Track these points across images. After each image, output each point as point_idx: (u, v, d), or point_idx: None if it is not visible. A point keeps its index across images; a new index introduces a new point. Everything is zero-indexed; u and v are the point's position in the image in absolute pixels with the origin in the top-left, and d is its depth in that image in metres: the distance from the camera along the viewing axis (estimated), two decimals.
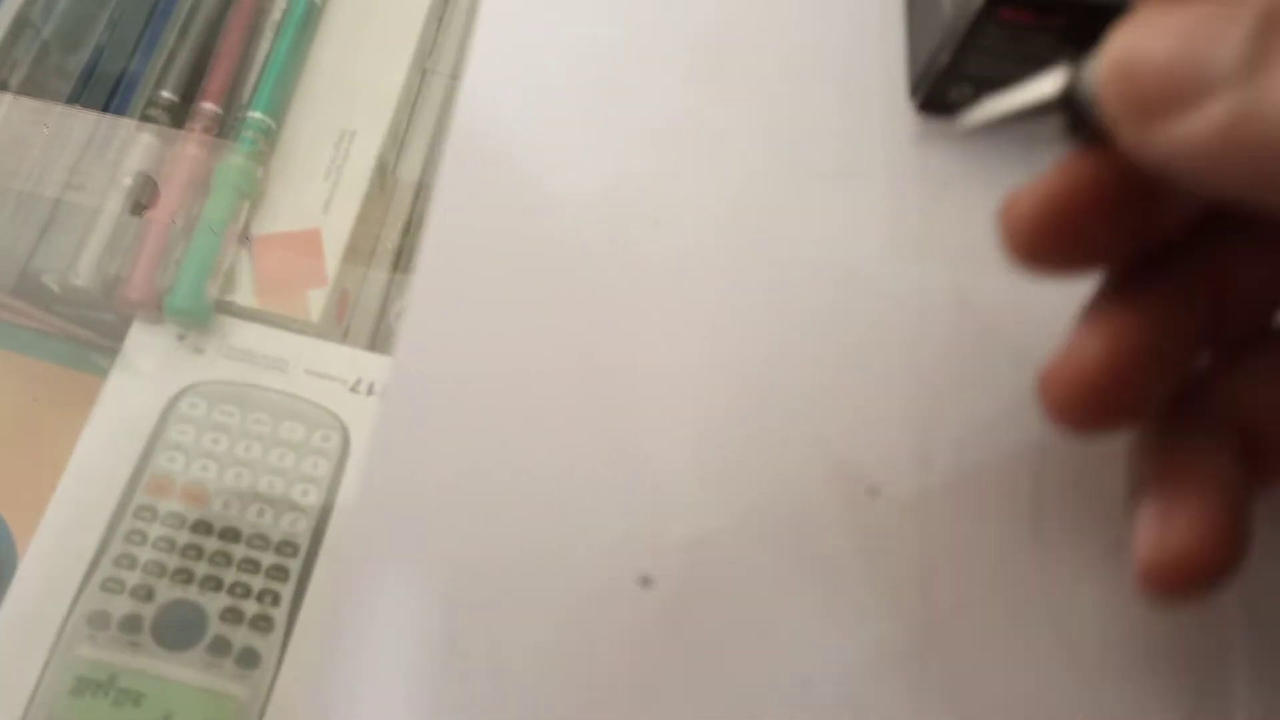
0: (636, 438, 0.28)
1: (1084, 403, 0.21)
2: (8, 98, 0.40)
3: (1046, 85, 0.20)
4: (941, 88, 0.29)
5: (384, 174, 0.42)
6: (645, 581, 0.26)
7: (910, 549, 0.26)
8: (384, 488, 0.27)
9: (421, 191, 0.44)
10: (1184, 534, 0.21)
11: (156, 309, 0.38)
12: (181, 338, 0.39)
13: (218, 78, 0.42)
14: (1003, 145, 0.31)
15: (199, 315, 0.38)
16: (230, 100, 0.42)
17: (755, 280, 0.29)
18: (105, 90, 0.41)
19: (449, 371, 0.28)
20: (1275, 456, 0.22)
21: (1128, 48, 0.18)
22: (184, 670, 0.35)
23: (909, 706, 0.26)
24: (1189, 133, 0.17)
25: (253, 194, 0.40)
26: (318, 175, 0.42)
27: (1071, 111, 0.20)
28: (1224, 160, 0.17)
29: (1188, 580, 0.20)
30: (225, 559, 0.36)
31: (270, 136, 0.42)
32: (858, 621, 0.26)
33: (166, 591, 0.36)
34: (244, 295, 0.39)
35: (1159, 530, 0.21)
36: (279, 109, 0.42)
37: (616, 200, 0.30)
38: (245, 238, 0.40)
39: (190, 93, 0.42)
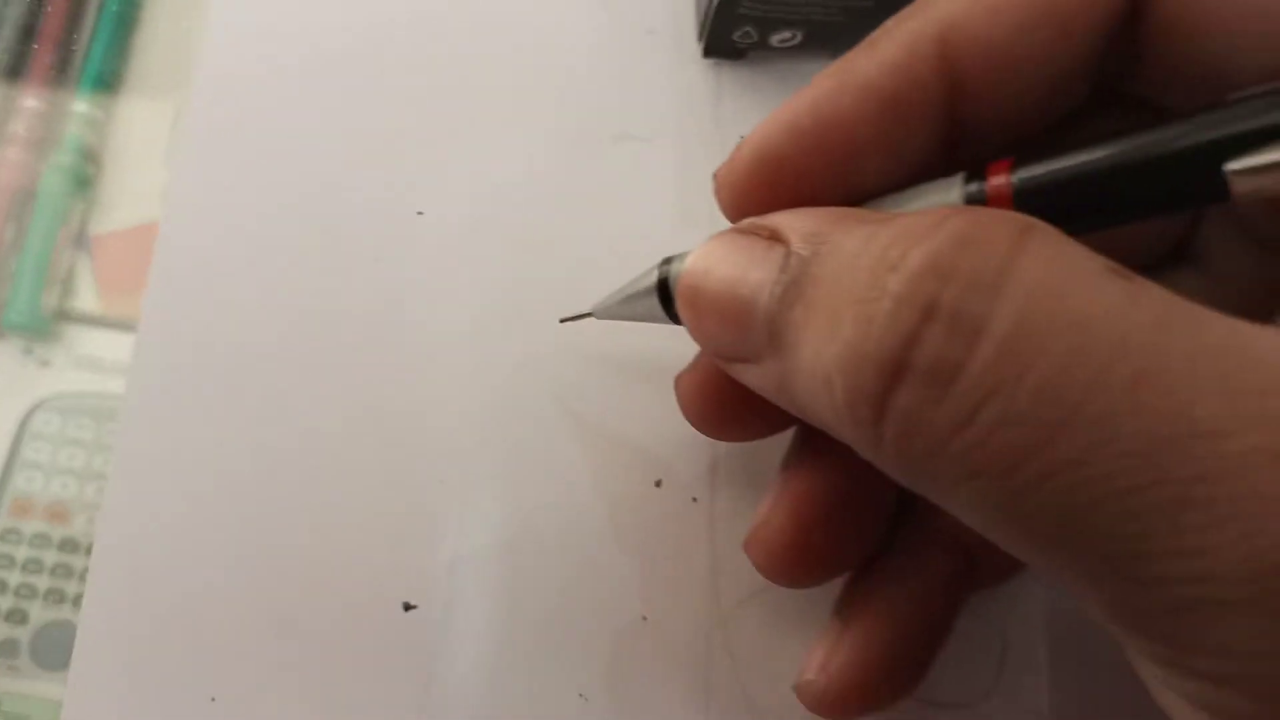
0: (398, 452, 0.26)
1: (782, 567, 0.23)
2: None
3: (647, 279, 0.23)
4: (722, 30, 0.27)
5: None
6: (408, 607, 0.25)
7: (700, 543, 0.25)
8: (133, 517, 0.26)
9: None
10: (842, 667, 0.23)
11: None
12: (28, 351, 0.38)
13: (38, 69, 0.40)
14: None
15: (37, 329, 0.37)
16: (55, 90, 0.40)
17: (531, 265, 0.27)
18: None
19: (196, 389, 0.27)
20: (988, 567, 0.24)
21: (691, 285, 0.20)
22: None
23: (698, 704, 0.25)
24: (751, 381, 0.19)
25: (85, 193, 0.39)
26: (155, 161, 0.40)
27: (665, 300, 0.22)
28: (783, 404, 0.19)
29: (834, 707, 0.23)
30: None
31: (99, 128, 0.40)
32: (638, 625, 0.25)
33: (41, 613, 0.36)
34: (86, 300, 0.38)
35: (822, 656, 0.23)
36: (108, 94, 0.40)
37: (376, 190, 0.28)
38: (81, 240, 0.38)
39: (11, 84, 0.40)
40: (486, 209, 0.28)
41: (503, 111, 0.29)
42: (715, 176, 0.22)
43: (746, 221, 0.20)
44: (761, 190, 0.21)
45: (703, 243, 0.20)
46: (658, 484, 0.27)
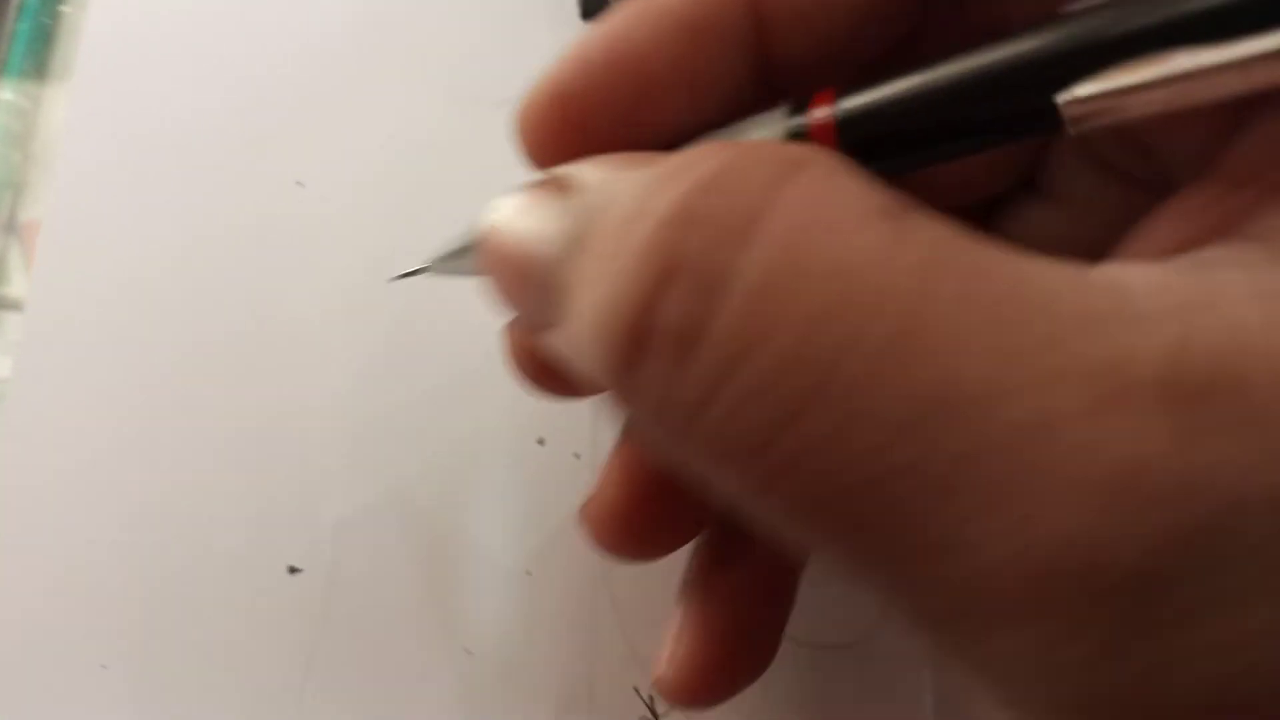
0: (282, 418, 0.26)
1: (614, 541, 0.21)
2: None
3: (470, 233, 0.21)
4: None
5: None
6: (294, 570, 0.25)
7: (583, 498, 0.25)
8: (12, 496, 0.26)
9: None
10: (687, 655, 0.21)
11: None
12: None
13: None
14: None
15: None
16: None
17: (414, 232, 0.27)
18: None
19: (77, 366, 0.27)
20: None
21: (489, 246, 0.18)
22: None
23: (583, 654, 0.25)
24: (556, 352, 0.17)
25: (14, 182, 0.39)
26: None
27: None
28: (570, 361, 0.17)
29: (688, 697, 0.21)
30: None
31: (26, 116, 0.40)
32: (522, 580, 0.25)
33: None
34: (18, 286, 0.38)
35: (670, 647, 0.21)
36: (34, 82, 0.40)
37: (254, 161, 0.28)
38: (11, 226, 0.38)
39: None
40: (368, 178, 0.28)
41: (384, 80, 0.29)
42: (515, 121, 0.20)
43: (545, 173, 0.18)
44: (560, 134, 0.19)
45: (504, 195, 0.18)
46: (540, 441, 0.27)
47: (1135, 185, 0.18)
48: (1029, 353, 0.11)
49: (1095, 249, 0.15)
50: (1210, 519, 0.11)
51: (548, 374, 0.21)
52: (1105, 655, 0.11)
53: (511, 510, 0.26)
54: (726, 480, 0.13)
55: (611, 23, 0.18)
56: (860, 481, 0.12)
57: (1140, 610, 0.11)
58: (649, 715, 0.26)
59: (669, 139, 0.18)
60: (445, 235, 0.23)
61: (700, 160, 0.14)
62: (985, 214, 0.21)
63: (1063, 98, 0.14)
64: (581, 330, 0.15)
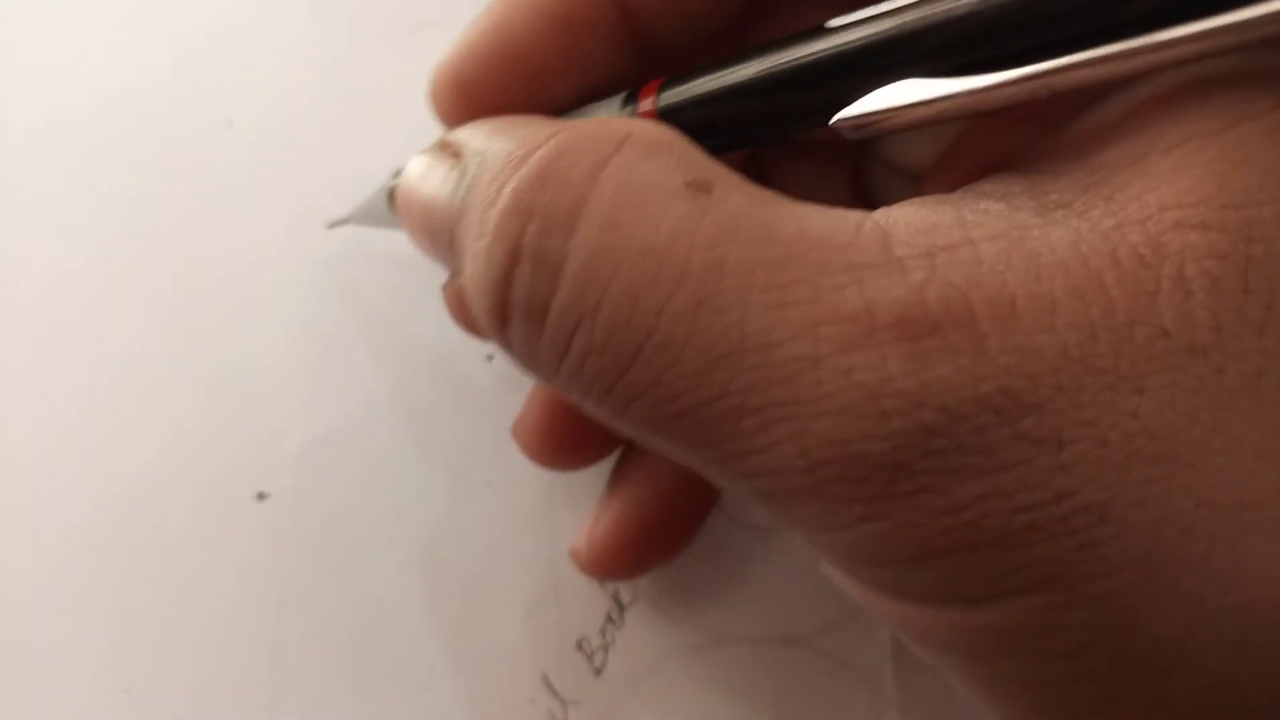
0: (235, 346, 0.27)
1: (542, 454, 0.25)
2: None
3: (384, 190, 0.24)
4: None
5: None
6: (261, 496, 0.26)
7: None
8: None
9: None
10: (604, 532, 0.25)
11: None
12: None
13: None
14: None
15: None
16: None
17: (342, 163, 0.28)
18: None
19: (27, 309, 0.27)
20: None
21: (400, 205, 0.21)
22: None
23: (544, 554, 0.26)
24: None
25: None
26: None
27: None
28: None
29: (601, 570, 0.25)
30: None
31: None
32: (481, 490, 0.26)
33: None
34: None
35: (589, 524, 0.25)
36: None
37: (183, 105, 0.29)
38: None
39: None
40: (295, 111, 0.29)
41: (298, 7, 0.29)
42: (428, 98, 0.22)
43: (439, 138, 0.21)
44: (464, 111, 0.21)
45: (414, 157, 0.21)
46: (489, 358, 0.28)
47: None
48: (799, 305, 0.15)
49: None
50: (928, 422, 0.14)
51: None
52: (868, 519, 0.14)
53: (467, 422, 0.27)
54: (590, 408, 0.17)
55: (494, 13, 0.21)
56: (680, 410, 0.15)
57: (888, 488, 0.14)
58: (615, 606, 0.27)
59: (556, 108, 0.21)
60: (369, 185, 0.25)
61: (540, 142, 0.17)
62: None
63: (836, 121, 0.17)
64: (467, 293, 0.18)
